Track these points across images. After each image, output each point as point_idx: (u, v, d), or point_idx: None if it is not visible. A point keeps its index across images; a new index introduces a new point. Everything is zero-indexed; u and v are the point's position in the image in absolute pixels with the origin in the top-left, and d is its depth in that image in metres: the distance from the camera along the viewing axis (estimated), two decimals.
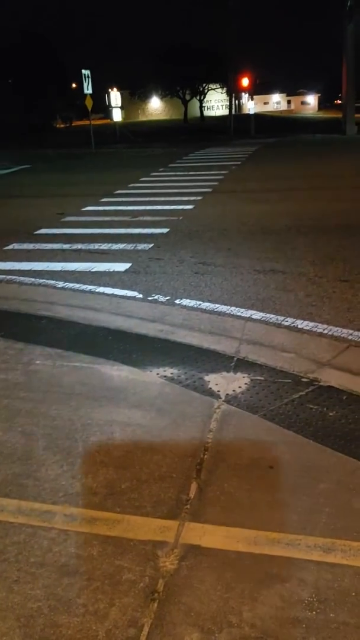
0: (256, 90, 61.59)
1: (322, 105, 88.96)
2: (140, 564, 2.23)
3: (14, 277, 6.60)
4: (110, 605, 2.05)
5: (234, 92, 41.27)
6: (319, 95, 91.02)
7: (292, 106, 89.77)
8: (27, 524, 2.46)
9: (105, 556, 2.28)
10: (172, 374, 3.89)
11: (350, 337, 4.45)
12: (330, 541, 2.30)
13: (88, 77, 28.15)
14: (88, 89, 28.30)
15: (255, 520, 2.44)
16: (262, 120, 43.02)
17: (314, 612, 1.99)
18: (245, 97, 64.95)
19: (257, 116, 41.00)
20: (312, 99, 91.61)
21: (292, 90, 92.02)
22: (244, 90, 50.15)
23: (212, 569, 2.19)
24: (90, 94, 28.50)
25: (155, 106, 70.51)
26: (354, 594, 2.05)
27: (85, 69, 28.34)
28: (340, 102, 49.32)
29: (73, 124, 54.25)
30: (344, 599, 2.03)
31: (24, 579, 2.18)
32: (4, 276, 6.65)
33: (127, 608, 2.03)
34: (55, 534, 2.41)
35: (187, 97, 57.94)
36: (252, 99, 44.41)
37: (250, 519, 2.45)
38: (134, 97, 62.77)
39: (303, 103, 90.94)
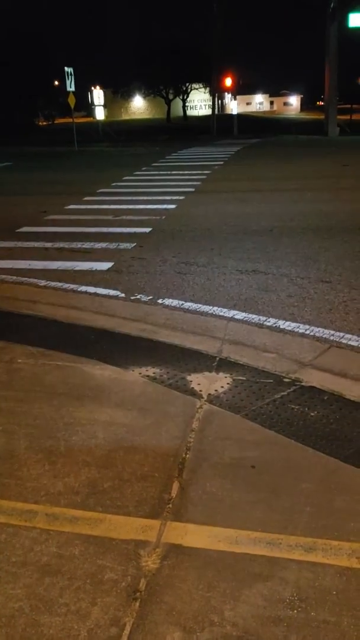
0: (239, 90, 61.71)
1: (304, 106, 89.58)
2: (122, 564, 2.23)
3: None
4: (92, 605, 2.05)
5: (217, 92, 41.37)
6: (302, 96, 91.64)
7: (275, 107, 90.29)
8: (8, 524, 2.45)
9: (87, 555, 2.28)
10: (154, 373, 3.89)
11: (332, 338, 4.48)
12: (311, 540, 2.32)
13: (71, 74, 27.99)
14: (71, 87, 28.13)
15: (237, 519, 2.46)
16: (244, 120, 43.14)
17: (295, 611, 2.01)
18: (228, 97, 65.23)
19: (240, 116, 41.12)
20: (294, 100, 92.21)
21: (274, 91, 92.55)
22: (227, 90, 50.33)
23: (194, 568, 2.20)
24: (73, 92, 28.35)
25: (138, 105, 70.40)
26: (334, 592, 2.07)
27: (68, 66, 28.19)
28: (322, 103, 49.69)
29: (55, 122, 53.93)
30: (325, 597, 2.05)
31: (5, 578, 2.17)
32: None
33: (109, 607, 2.03)
34: (37, 534, 2.40)
35: (171, 96, 57.95)
36: (235, 99, 44.57)
37: (232, 519, 2.46)
38: (117, 95, 62.58)
39: (285, 104, 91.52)
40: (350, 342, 4.39)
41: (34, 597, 2.09)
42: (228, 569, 2.19)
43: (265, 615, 1.99)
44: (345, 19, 30.69)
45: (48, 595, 2.10)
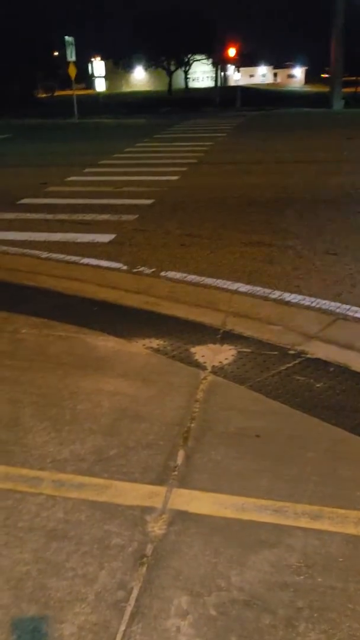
0: (242, 62, 60.62)
1: (308, 78, 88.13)
2: (129, 529, 2.24)
3: None
4: (100, 569, 2.06)
5: (219, 63, 40.76)
6: (306, 68, 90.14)
7: (279, 79, 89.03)
8: (14, 490, 2.46)
9: (94, 521, 2.28)
10: (158, 345, 3.88)
11: (337, 310, 4.46)
12: (317, 508, 2.32)
13: (71, 44, 27.47)
14: (71, 57, 27.64)
15: (242, 487, 2.46)
16: (248, 92, 42.52)
17: (302, 577, 2.01)
18: (231, 69, 64.21)
19: (243, 88, 40.55)
20: (299, 72, 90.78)
21: (278, 63, 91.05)
22: (230, 61, 49.38)
23: (200, 534, 2.21)
24: (74, 62, 27.88)
25: (139, 77, 69.43)
26: (340, 559, 2.08)
27: (69, 35, 27.67)
28: (327, 75, 48.88)
29: (55, 94, 53.17)
30: (331, 564, 2.06)
31: (13, 543, 2.18)
32: None
33: (116, 572, 2.04)
34: (44, 500, 2.40)
35: (172, 67, 57.05)
36: (238, 71, 43.86)
37: (237, 486, 2.47)
38: (118, 67, 61.67)
39: (290, 76, 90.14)
40: (356, 315, 4.37)
41: (42, 561, 2.10)
42: (234, 536, 2.20)
43: (272, 580, 2.00)
44: None
45: (55, 559, 2.11)
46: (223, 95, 37.41)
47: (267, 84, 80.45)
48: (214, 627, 1.84)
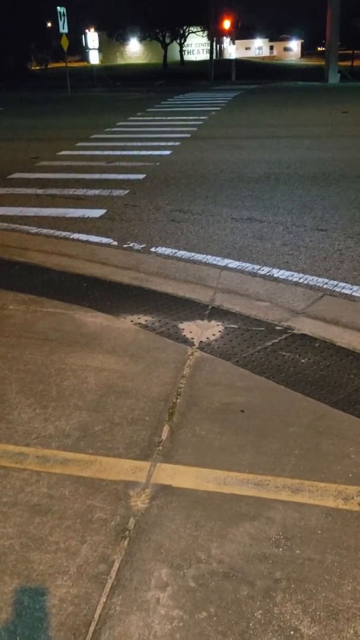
0: (238, 35, 59.62)
1: (305, 52, 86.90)
2: (112, 503, 2.26)
3: None
4: (82, 543, 2.08)
5: (215, 36, 40.09)
6: (302, 41, 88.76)
7: (275, 52, 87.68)
8: None
9: (77, 496, 2.31)
10: (146, 321, 3.88)
11: (325, 286, 4.46)
12: (298, 482, 2.35)
13: (64, 15, 26.91)
14: (64, 28, 27.08)
15: (225, 461, 2.49)
16: (243, 65, 41.96)
17: (281, 549, 2.05)
18: (226, 41, 63.08)
19: (239, 62, 40.03)
20: (295, 45, 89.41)
21: (274, 35, 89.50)
22: (226, 33, 48.56)
23: (182, 508, 2.24)
24: (66, 34, 27.35)
25: (134, 49, 68.23)
26: (319, 531, 2.11)
27: (61, 6, 27.10)
28: (323, 49, 48.24)
29: (49, 67, 52.31)
30: (310, 536, 2.09)
31: None
32: None
33: (98, 545, 2.07)
34: (28, 475, 2.42)
35: (167, 40, 56.01)
36: (233, 44, 43.09)
37: (220, 461, 2.49)
38: (112, 39, 60.56)
39: (286, 49, 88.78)
40: (343, 291, 4.38)
41: (25, 535, 2.12)
42: (216, 509, 2.23)
43: (251, 553, 2.03)
44: None
45: (38, 533, 2.13)
46: (218, 68, 36.87)
47: (263, 57, 79.32)
48: (193, 598, 1.87)
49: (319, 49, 73.90)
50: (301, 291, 4.37)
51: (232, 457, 2.51)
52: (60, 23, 26.96)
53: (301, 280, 4.60)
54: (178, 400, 2.94)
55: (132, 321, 3.88)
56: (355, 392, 2.98)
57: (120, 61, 64.67)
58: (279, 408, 2.87)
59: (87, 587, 1.91)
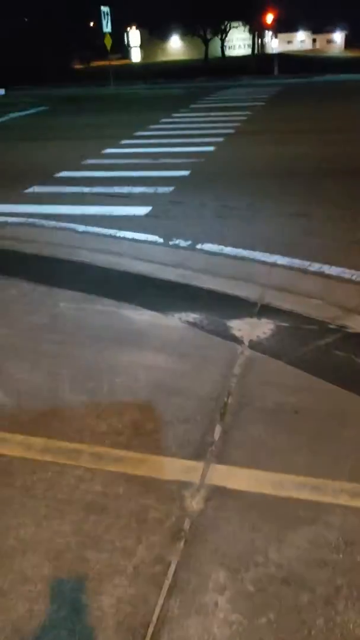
0: (280, 28, 58.97)
1: (349, 44, 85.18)
2: (166, 504, 2.24)
3: (34, 220, 6.52)
4: (137, 543, 2.07)
5: (257, 30, 39.71)
6: (346, 33, 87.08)
7: (318, 45, 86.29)
8: (54, 462, 2.49)
9: (132, 495, 2.30)
10: (194, 319, 3.85)
11: None
12: (357, 486, 2.29)
13: (107, 14, 27.13)
14: (107, 28, 27.31)
15: (280, 463, 2.44)
16: (286, 59, 41.41)
17: (341, 555, 1.99)
18: (268, 35, 62.46)
19: (281, 55, 39.49)
20: (338, 38, 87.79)
21: (317, 28, 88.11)
22: (268, 27, 48.05)
23: (238, 510, 2.20)
24: (110, 33, 27.55)
25: (175, 46, 68.24)
26: None
27: (104, 5, 27.29)
28: None
29: (91, 65, 52.78)
30: None
31: (52, 515, 2.21)
32: (24, 219, 6.58)
33: (154, 546, 2.06)
34: (82, 472, 2.43)
35: (208, 36, 55.75)
36: (275, 38, 42.67)
37: (275, 462, 2.45)
38: (153, 36, 60.68)
39: (329, 42, 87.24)
40: None
41: (81, 533, 2.12)
42: (272, 512, 2.19)
43: (311, 558, 1.99)
44: None
45: (94, 532, 2.13)
46: (260, 63, 36.53)
47: (306, 50, 78.19)
48: (252, 603, 1.83)
49: None
50: (354, 288, 4.27)
51: (287, 459, 2.47)
52: (104, 22, 27.18)
53: (354, 277, 4.49)
54: (229, 400, 2.91)
55: (180, 319, 3.85)
56: None
57: (161, 58, 64.69)
58: (334, 409, 2.80)
59: (144, 588, 1.90)
